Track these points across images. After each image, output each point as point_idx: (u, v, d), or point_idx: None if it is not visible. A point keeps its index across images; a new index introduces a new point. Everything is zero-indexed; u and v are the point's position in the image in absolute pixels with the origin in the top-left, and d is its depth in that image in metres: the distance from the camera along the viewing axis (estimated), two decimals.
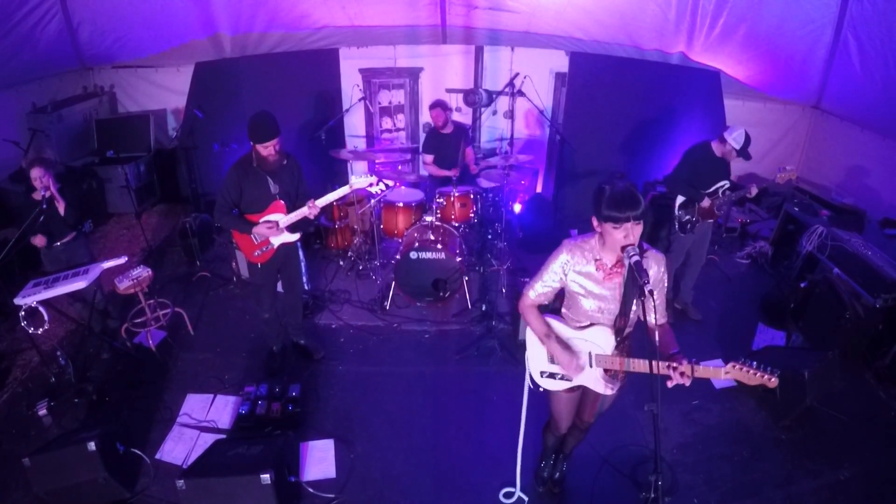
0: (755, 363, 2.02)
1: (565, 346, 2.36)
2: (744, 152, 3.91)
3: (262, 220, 3.49)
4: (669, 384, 2.06)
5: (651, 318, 2.03)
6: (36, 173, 3.54)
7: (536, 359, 2.53)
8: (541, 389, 2.59)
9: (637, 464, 3.25)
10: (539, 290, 2.38)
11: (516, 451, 2.95)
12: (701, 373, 2.06)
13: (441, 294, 4.61)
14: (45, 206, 3.52)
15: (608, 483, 3.16)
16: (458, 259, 4.49)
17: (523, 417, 2.80)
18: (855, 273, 4.11)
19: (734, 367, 2.03)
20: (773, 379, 2.00)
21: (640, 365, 2.24)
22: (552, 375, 2.50)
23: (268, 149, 3.31)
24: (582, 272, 2.27)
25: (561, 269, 2.31)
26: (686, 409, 3.66)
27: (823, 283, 4.18)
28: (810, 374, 3.38)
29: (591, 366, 2.38)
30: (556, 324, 2.41)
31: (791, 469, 3.24)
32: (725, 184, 4.08)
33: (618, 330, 2.30)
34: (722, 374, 2.07)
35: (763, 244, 5.62)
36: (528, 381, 2.63)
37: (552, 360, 2.47)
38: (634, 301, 2.23)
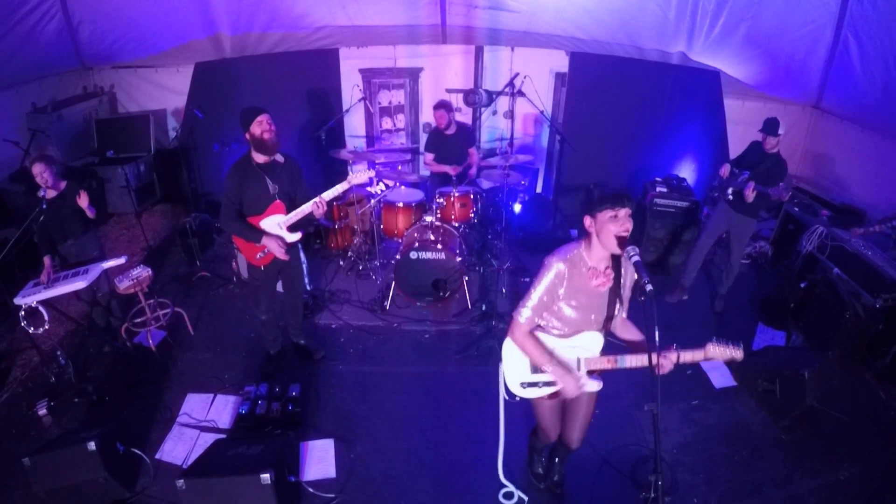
0: (724, 341, 2.27)
1: (566, 368, 2.36)
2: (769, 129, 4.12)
3: (271, 231, 3.45)
4: (661, 371, 2.14)
5: (624, 314, 2.26)
6: (37, 169, 3.59)
7: (516, 370, 2.50)
8: (517, 399, 2.56)
9: (637, 464, 3.25)
10: (535, 311, 2.33)
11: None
12: (685, 357, 2.24)
13: (441, 294, 4.61)
14: (45, 206, 3.53)
15: (608, 483, 3.16)
16: (458, 259, 4.49)
17: (501, 428, 2.78)
18: (855, 273, 4.11)
19: (711, 348, 2.26)
20: (738, 352, 2.27)
21: (631, 361, 2.31)
22: (533, 384, 2.49)
23: (262, 125, 3.26)
24: (576, 285, 2.28)
25: (559, 282, 2.27)
26: (686, 409, 3.66)
27: (823, 283, 4.18)
28: (810, 374, 3.38)
29: (579, 369, 2.40)
30: (541, 336, 2.41)
31: (791, 469, 3.24)
32: (746, 174, 4.19)
33: (605, 332, 2.38)
34: (702, 356, 2.26)
35: (763, 244, 5.62)
36: (502, 394, 2.58)
37: (535, 370, 2.45)
38: (617, 301, 2.33)
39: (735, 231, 4.48)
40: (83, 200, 3.71)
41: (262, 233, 3.43)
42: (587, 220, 2.24)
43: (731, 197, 4.32)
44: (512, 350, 2.48)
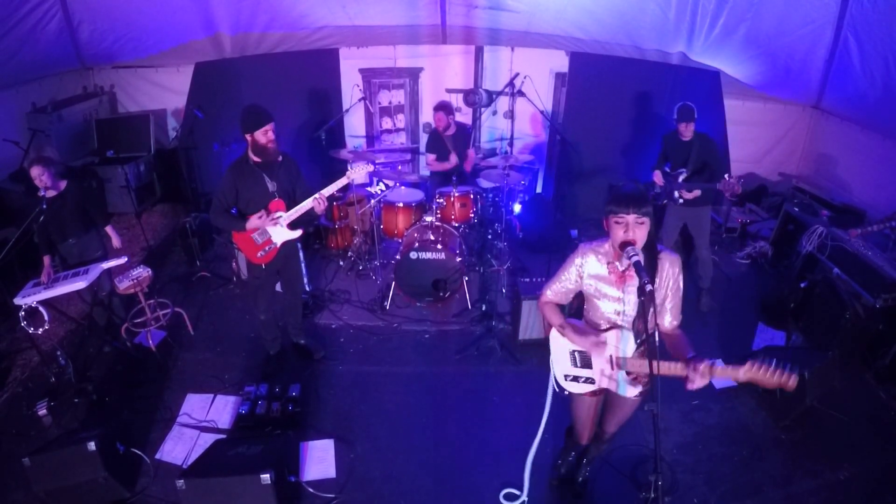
0: (774, 361, 1.93)
1: (582, 330, 2.35)
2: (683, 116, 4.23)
3: (270, 230, 3.47)
4: (691, 387, 1.99)
5: (651, 320, 1.97)
6: (35, 172, 3.58)
7: (560, 362, 2.54)
8: (566, 393, 2.57)
9: (637, 464, 3.25)
10: (555, 289, 2.43)
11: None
12: (719, 373, 2.01)
13: (441, 294, 4.61)
14: (45, 206, 3.53)
15: (608, 483, 3.15)
16: (458, 259, 4.49)
17: (544, 420, 2.72)
18: (855, 273, 4.10)
19: (752, 367, 1.95)
20: (792, 378, 1.89)
21: (664, 368, 2.08)
22: (576, 378, 2.50)
23: (267, 134, 3.30)
24: (595, 275, 2.30)
25: (575, 271, 2.34)
26: (686, 409, 3.66)
27: (823, 283, 4.17)
28: (810, 374, 3.37)
29: (612, 368, 2.36)
30: (578, 327, 2.42)
31: (791, 469, 3.24)
32: (682, 172, 4.30)
33: (636, 333, 2.27)
34: (741, 375, 1.97)
35: (763, 244, 5.62)
36: (552, 384, 2.61)
37: (575, 363, 2.48)
38: (652, 306, 2.10)
39: (692, 224, 4.51)
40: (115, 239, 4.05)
41: (246, 219, 3.44)
42: (604, 221, 2.18)
43: (681, 201, 4.33)
44: (555, 340, 2.52)
